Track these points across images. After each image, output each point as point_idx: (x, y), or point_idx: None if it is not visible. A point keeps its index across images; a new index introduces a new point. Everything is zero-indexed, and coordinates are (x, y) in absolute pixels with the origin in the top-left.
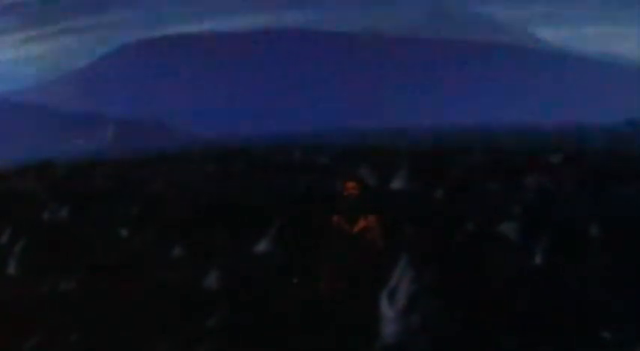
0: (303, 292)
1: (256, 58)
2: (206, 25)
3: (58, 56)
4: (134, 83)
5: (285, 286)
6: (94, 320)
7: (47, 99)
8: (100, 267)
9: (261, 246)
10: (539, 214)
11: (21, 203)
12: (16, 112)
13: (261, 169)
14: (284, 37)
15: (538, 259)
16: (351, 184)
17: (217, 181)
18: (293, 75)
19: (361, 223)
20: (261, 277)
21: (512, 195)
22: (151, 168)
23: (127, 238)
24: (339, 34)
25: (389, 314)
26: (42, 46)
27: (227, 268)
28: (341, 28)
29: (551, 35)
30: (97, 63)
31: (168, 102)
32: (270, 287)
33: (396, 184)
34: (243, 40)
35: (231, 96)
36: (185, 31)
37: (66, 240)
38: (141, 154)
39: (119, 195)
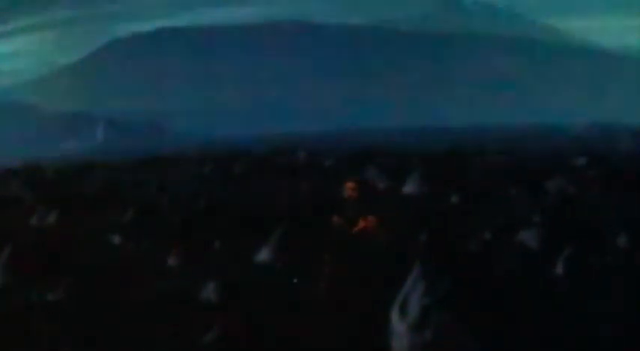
0: (307, 302)
1: (255, 53)
2: (203, 18)
3: (44, 51)
4: (125, 80)
5: (287, 296)
6: (84, 331)
7: (33, 97)
8: (91, 275)
9: (262, 255)
10: (561, 220)
11: (7, 208)
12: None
13: (262, 172)
14: (284, 31)
15: (559, 269)
16: (354, 186)
17: (214, 185)
18: (295, 71)
19: (368, 230)
20: (262, 286)
21: (533, 200)
22: (144, 171)
23: (120, 245)
24: (343, 26)
25: (400, 328)
26: (26, 40)
27: (225, 277)
28: (346, 20)
29: (570, 27)
30: (86, 59)
31: (162, 100)
32: (273, 297)
33: (408, 188)
34: (242, 33)
35: (229, 94)
36: (180, 24)
37: (54, 247)
38: (133, 156)
39: (111, 199)
